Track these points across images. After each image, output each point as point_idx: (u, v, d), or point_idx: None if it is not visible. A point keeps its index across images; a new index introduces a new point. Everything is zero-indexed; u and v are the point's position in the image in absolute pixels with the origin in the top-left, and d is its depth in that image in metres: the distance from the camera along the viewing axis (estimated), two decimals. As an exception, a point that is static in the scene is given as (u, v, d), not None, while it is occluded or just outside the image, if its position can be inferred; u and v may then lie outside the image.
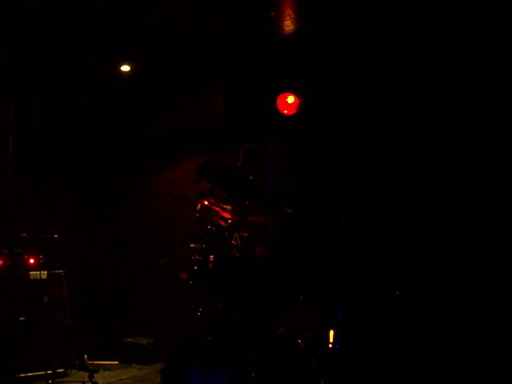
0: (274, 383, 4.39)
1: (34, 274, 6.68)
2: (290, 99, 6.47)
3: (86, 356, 7.01)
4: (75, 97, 7.69)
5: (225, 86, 7.52)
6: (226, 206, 5.04)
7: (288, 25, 6.27)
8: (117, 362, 7.74)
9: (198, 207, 5.04)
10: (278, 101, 6.53)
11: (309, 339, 4.68)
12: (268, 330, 4.69)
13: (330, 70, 6.29)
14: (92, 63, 7.06)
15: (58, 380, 6.55)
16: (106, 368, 7.41)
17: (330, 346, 4.84)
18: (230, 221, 4.97)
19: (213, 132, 7.69)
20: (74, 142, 8.44)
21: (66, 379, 6.73)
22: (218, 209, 5.00)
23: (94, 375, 6.63)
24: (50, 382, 6.23)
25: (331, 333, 4.86)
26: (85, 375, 6.65)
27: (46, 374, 6.41)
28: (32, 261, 6.76)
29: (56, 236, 7.09)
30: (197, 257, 4.96)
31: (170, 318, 7.87)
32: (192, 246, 5.08)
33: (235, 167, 5.28)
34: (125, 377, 7.03)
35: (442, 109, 5.72)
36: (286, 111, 6.46)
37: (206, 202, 4.99)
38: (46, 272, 6.75)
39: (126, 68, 7.50)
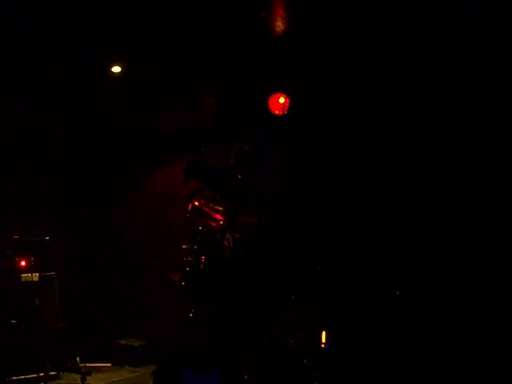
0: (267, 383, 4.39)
1: (25, 276, 6.66)
2: (282, 100, 6.46)
3: (78, 358, 6.99)
4: (66, 97, 7.65)
5: (217, 86, 7.51)
6: (217, 207, 5.05)
7: (279, 25, 6.26)
8: (109, 364, 7.72)
9: (190, 208, 5.04)
10: (269, 101, 6.52)
11: (301, 340, 4.68)
12: (260, 330, 4.69)
13: (322, 70, 6.28)
14: (82, 64, 7.01)
15: (51, 382, 6.52)
16: (99, 370, 7.40)
17: (323, 346, 4.85)
18: (221, 222, 4.97)
19: (205, 133, 7.69)
20: (66, 144, 8.42)
21: (59, 382, 6.72)
22: (209, 210, 5.01)
23: (87, 377, 6.61)
24: (42, 384, 6.21)
25: (323, 333, 4.86)
26: (77, 377, 6.63)
27: (39, 376, 6.37)
28: (23, 263, 6.73)
29: (47, 238, 7.07)
30: (188, 258, 4.95)
31: (162, 320, 7.85)
32: (184, 247, 5.07)
33: (223, 167, 5.26)
34: (117, 379, 7.02)
35: (434, 113, 5.71)
36: (277, 112, 6.46)
37: (197, 203, 5.00)
38: (37, 274, 6.72)
39: (116, 69, 7.47)
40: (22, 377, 6.43)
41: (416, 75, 5.79)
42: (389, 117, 5.88)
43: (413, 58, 5.82)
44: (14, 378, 6.40)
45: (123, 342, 7.86)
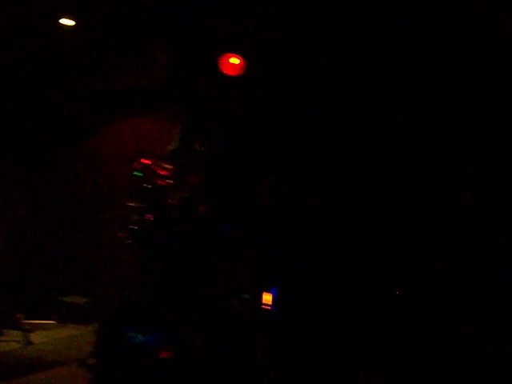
0: (210, 343, 4.41)
1: (-33, 230, 6.56)
2: (235, 60, 6.38)
3: (21, 315, 6.94)
4: (11, 53, 7.45)
5: (168, 45, 7.40)
6: (166, 166, 5.01)
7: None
8: (53, 322, 7.70)
9: (139, 166, 4.99)
10: (221, 61, 6.44)
11: (245, 300, 4.71)
12: (205, 290, 4.71)
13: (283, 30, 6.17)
14: (31, 15, 6.83)
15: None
16: (42, 327, 7.37)
17: (266, 307, 4.88)
18: (169, 181, 4.94)
19: (155, 92, 7.61)
20: (11, 98, 8.24)
21: (1, 338, 6.66)
22: (158, 168, 4.97)
23: (30, 334, 6.58)
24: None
25: (268, 294, 4.89)
26: (20, 334, 6.59)
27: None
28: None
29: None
30: (135, 216, 4.92)
31: (107, 278, 7.84)
32: (131, 205, 5.03)
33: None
34: (61, 336, 7.01)
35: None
36: (229, 73, 6.38)
37: (146, 162, 4.95)
38: (-22, 230, 6.63)
39: (68, 22, 7.31)
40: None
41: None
42: (347, 84, 5.80)
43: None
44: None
45: (67, 299, 7.84)
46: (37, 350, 6.43)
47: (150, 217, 4.78)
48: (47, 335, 7.02)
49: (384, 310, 5.11)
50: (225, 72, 6.31)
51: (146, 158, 5.00)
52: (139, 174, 4.99)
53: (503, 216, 5.00)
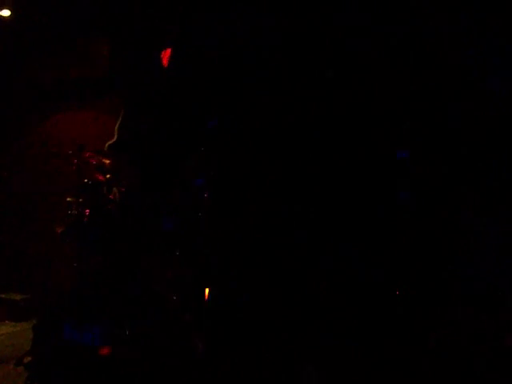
0: (149, 339, 4.39)
1: None
2: (176, 54, 6.36)
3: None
4: None
5: (111, 36, 7.34)
6: (104, 160, 4.97)
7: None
8: (-11, 319, 7.56)
9: (76, 160, 4.94)
10: (163, 55, 6.40)
11: (184, 296, 4.71)
12: (143, 285, 4.69)
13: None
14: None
15: None
16: (-23, 325, 7.23)
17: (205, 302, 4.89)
18: (108, 175, 4.90)
19: (96, 84, 7.52)
20: None
21: None
22: (96, 163, 4.93)
23: (-37, 332, 6.45)
24: None
25: (206, 290, 4.90)
26: (-47, 332, 6.46)
27: None
28: None
29: None
30: (73, 211, 4.87)
31: (45, 273, 7.72)
32: (68, 199, 4.97)
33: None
34: (-4, 334, 6.88)
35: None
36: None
37: (83, 156, 4.91)
38: None
39: (5, 13, 7.18)
40: None
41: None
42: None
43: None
44: None
45: (4, 295, 7.69)
46: (-29, 348, 6.29)
47: (87, 211, 4.74)
48: (-18, 333, 6.88)
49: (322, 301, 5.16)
50: (166, 66, 6.28)
51: (85, 153, 4.95)
52: (78, 169, 4.95)
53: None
